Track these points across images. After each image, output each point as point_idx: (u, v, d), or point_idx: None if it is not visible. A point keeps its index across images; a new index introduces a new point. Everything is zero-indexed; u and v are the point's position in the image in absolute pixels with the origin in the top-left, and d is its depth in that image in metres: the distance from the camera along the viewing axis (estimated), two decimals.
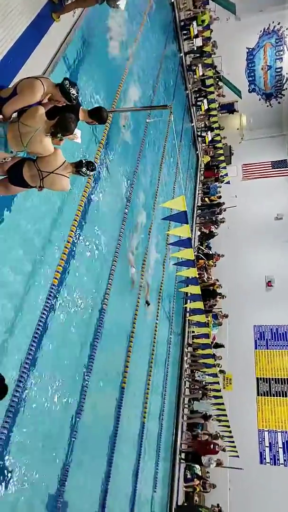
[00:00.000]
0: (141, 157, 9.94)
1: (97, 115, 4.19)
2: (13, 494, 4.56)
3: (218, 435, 12.36)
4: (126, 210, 8.66)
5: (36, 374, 5.12)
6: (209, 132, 19.84)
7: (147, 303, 9.08)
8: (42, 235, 5.58)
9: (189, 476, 12.11)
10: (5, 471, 4.50)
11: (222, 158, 20.20)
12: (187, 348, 13.65)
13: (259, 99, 24.49)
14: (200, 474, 12.25)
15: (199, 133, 20.60)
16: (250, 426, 14.42)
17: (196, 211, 18.67)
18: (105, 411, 7.40)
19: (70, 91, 3.71)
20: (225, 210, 19.75)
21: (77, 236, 6.38)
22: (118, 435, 7.32)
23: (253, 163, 23.43)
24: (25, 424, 4.81)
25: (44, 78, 3.82)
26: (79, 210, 6.41)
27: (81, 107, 4.17)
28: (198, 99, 19.25)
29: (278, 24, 22.22)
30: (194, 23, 16.24)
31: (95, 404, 6.73)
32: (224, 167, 20.73)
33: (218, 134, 19.80)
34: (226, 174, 20.74)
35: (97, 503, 6.59)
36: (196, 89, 18.94)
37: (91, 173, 4.06)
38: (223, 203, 19.95)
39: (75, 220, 6.30)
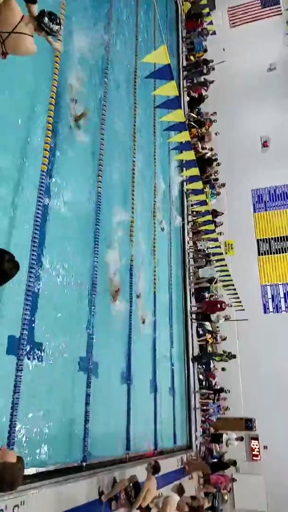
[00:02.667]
0: (112, 14, 8.63)
1: None
2: (48, 364, 5.10)
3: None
4: (105, 80, 7.84)
5: (45, 259, 5.31)
6: None
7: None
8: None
9: (201, 332, 13.55)
10: (38, 347, 4.96)
11: (204, 2, 17.50)
12: (188, 224, 13.90)
13: None
14: (211, 329, 13.67)
15: None
16: (253, 283, 15.62)
17: (182, 72, 16.98)
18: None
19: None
20: (213, 68, 17.95)
21: None
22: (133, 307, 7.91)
23: (240, 4, 20.35)
24: (45, 307, 5.15)
25: None
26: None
27: None
28: None
29: None
30: None
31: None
32: (208, 14, 18.10)
33: None
34: (211, 23, 18.24)
35: (123, 362, 7.45)
36: None
37: (56, 27, 3.53)
38: (211, 60, 18.01)
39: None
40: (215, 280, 13.40)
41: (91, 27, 7.50)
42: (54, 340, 5.27)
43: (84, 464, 5.28)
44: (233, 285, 13.01)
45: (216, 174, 16.06)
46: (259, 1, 20.07)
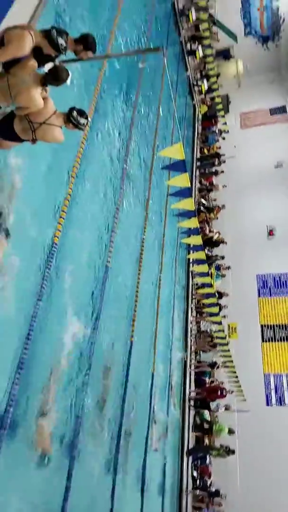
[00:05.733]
0: (135, 109, 9.66)
1: (83, 39, 4.00)
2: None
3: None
4: (125, 166, 8.56)
5: None
6: (205, 81, 19.12)
7: None
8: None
9: (198, 422, 12.76)
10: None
11: (219, 107, 19.54)
12: (191, 302, 13.94)
13: (256, 43, 23.23)
14: (209, 419, 12.88)
15: (194, 83, 19.83)
16: (256, 371, 14.95)
17: (196, 163, 18.36)
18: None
19: (58, 40, 3.58)
20: (224, 161, 19.43)
21: None
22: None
23: (251, 111, 22.66)
24: None
25: (33, 28, 3.67)
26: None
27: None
28: (192, 46, 18.36)
29: None
30: None
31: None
32: (222, 116, 20.10)
33: (215, 82, 19.07)
34: (225, 123, 20.17)
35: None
36: (190, 35, 18.02)
37: (83, 120, 3.96)
38: (222, 154, 19.58)
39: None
40: (217, 365, 12.98)
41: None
42: None
43: None
44: (235, 372, 12.52)
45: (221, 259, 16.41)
46: (268, 109, 22.38)
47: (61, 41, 3.59)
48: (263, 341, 15.78)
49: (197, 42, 18.13)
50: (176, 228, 10.88)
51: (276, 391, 14.69)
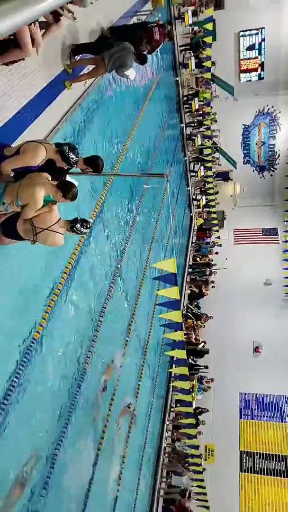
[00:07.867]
0: (135, 223, 10.21)
1: (92, 162, 4.35)
2: None
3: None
4: (118, 266, 8.74)
5: None
6: (203, 197, 20.68)
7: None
8: None
9: None
10: None
11: (215, 221, 20.84)
12: (169, 415, 13.02)
13: (253, 171, 25.81)
14: None
15: (194, 197, 21.44)
16: (232, 508, 13.07)
17: (187, 269, 18.91)
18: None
19: (69, 155, 3.90)
20: (215, 272, 20.03)
21: None
22: None
23: (244, 228, 24.15)
24: None
25: (48, 144, 4.02)
26: (67, 268, 6.43)
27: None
28: (196, 166, 20.32)
29: (272, 107, 24.07)
30: (196, 99, 17.55)
31: None
32: (217, 230, 21.30)
33: (213, 200, 20.65)
34: (218, 237, 21.29)
35: None
36: (194, 157, 20.02)
37: (85, 230, 4.11)
38: (214, 264, 20.30)
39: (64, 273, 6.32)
40: (188, 493, 11.54)
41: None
42: None
43: None
44: (208, 507, 10.99)
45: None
46: (261, 230, 23.94)
47: (72, 155, 3.91)
48: (241, 471, 14.08)
49: (200, 164, 20.08)
50: (161, 336, 10.71)
51: None
